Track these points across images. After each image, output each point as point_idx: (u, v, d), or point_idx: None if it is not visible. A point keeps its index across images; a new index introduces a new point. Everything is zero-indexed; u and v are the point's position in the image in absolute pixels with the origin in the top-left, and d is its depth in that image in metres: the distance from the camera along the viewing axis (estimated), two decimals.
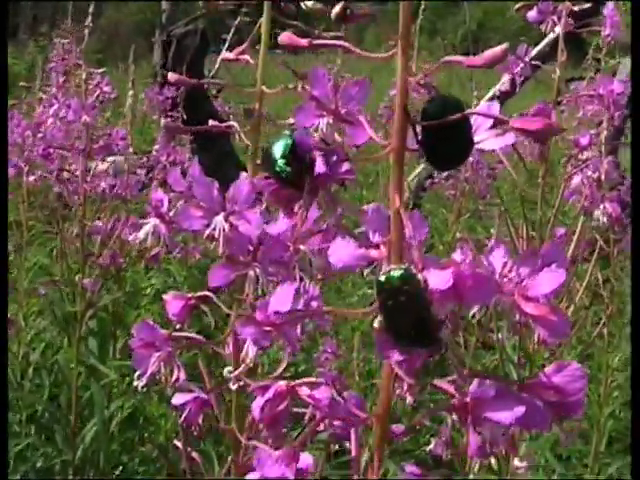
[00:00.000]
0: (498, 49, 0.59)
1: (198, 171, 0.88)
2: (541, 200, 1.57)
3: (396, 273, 0.59)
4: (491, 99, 2.17)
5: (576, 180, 1.68)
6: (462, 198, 3.16)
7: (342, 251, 0.64)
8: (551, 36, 3.33)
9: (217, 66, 5.88)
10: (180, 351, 0.98)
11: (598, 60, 1.91)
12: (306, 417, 0.74)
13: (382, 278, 0.60)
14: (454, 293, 0.59)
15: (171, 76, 0.97)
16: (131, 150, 2.07)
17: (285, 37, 0.65)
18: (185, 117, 3.32)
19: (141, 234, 0.95)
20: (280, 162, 0.65)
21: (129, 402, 2.25)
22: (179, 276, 2.81)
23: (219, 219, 0.82)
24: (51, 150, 2.10)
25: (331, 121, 0.67)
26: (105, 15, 15.44)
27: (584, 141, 1.63)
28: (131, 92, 1.99)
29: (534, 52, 2.43)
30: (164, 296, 0.96)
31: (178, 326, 0.95)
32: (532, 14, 1.70)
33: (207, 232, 0.83)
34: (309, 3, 0.74)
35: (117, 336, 2.41)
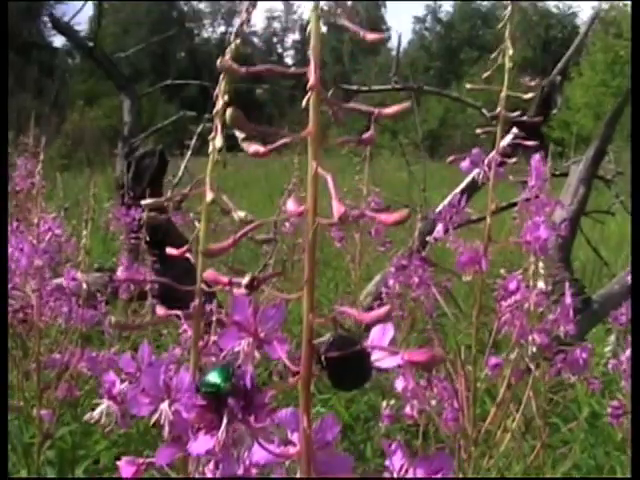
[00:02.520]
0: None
1: (147, 356, 1.00)
2: (475, 338, 1.70)
3: None
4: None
5: (507, 315, 1.79)
6: None
7: (263, 453, 0.76)
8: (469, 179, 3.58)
9: (180, 172, 6.06)
10: None
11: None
12: None
13: None
14: None
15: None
16: (84, 284, 2.14)
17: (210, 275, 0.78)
18: (148, 238, 3.46)
19: (95, 414, 1.05)
20: (221, 383, 0.76)
21: None
22: None
23: (164, 406, 0.93)
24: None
25: (251, 341, 0.79)
26: (70, 120, 15.74)
27: (512, 286, 1.73)
28: (85, 232, 2.09)
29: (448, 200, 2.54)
30: (117, 462, 1.05)
31: None
32: (465, 164, 1.80)
33: (154, 418, 0.93)
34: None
35: (78, 460, 2.42)
